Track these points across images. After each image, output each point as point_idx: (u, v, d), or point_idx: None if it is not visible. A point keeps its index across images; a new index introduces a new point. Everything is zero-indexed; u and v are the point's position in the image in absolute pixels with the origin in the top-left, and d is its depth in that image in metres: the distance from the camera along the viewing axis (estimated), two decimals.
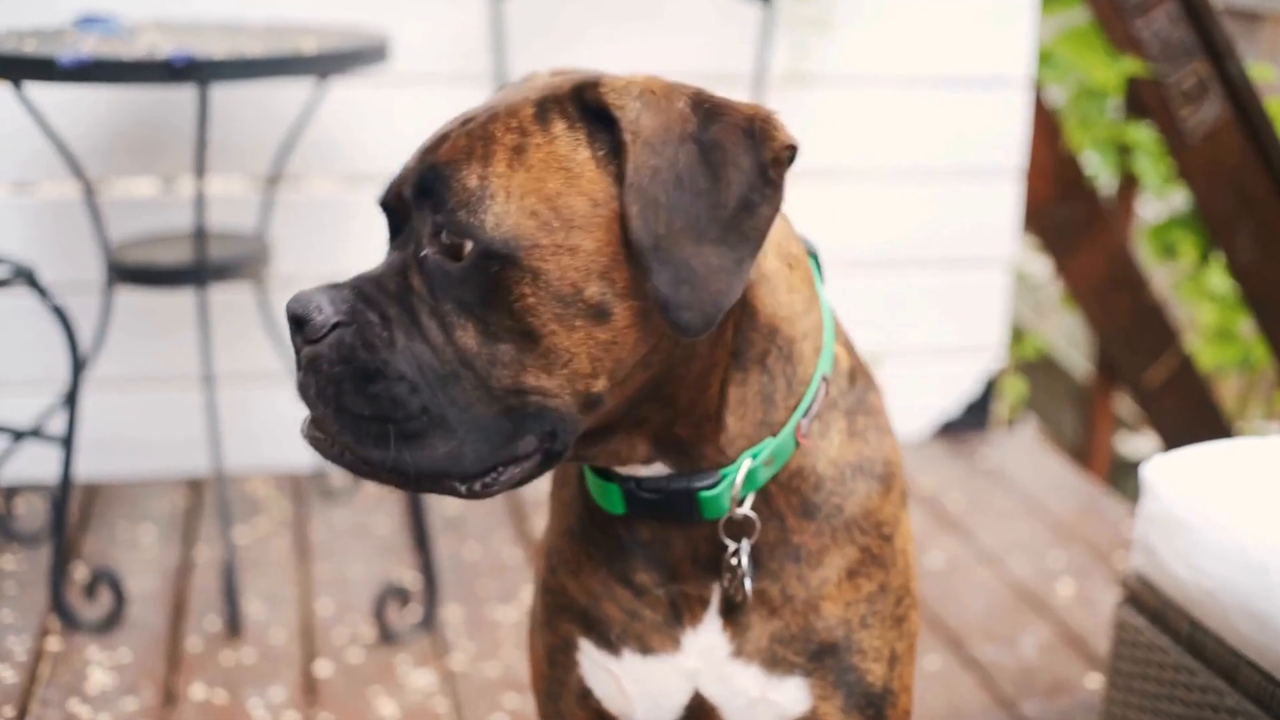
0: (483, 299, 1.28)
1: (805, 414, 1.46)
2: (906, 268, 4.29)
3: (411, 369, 1.28)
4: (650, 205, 1.26)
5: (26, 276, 2.89)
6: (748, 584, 1.48)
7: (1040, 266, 5.94)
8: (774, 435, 1.45)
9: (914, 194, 4.23)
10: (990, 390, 4.48)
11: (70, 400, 3.05)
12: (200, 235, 3.10)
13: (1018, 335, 5.46)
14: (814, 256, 1.58)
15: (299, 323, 1.30)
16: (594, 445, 1.42)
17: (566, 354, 1.29)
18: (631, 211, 1.27)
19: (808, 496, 1.50)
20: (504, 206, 1.27)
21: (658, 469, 1.47)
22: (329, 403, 1.29)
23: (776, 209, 1.30)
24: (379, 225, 1.95)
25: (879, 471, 1.55)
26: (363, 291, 1.31)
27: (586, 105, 1.32)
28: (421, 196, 1.32)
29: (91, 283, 3.68)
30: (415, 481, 1.31)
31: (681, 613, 1.53)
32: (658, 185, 1.27)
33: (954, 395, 4.44)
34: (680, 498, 1.46)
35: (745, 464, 1.44)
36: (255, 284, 3.54)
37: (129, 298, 3.71)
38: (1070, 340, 5.76)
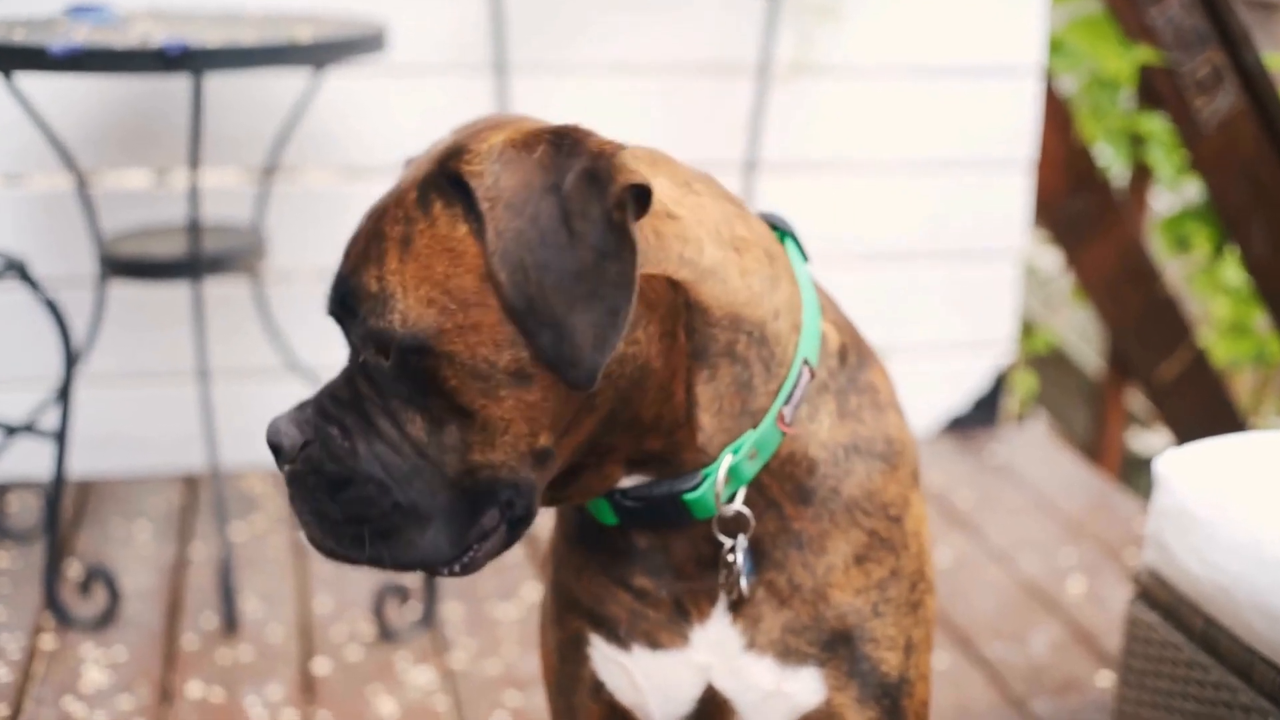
0: (418, 390, 1.33)
1: (787, 401, 1.46)
2: (914, 261, 4.29)
3: (378, 470, 1.36)
4: (518, 269, 1.28)
5: (18, 269, 2.90)
6: (744, 582, 1.48)
7: (1051, 260, 5.93)
8: (755, 426, 1.45)
9: (922, 186, 4.23)
10: (999, 385, 4.49)
11: (63, 395, 3.06)
12: (194, 228, 3.11)
13: (1027, 329, 5.45)
14: (789, 235, 1.58)
15: (275, 450, 1.40)
16: (565, 488, 1.45)
17: (503, 423, 1.33)
18: (500, 279, 1.28)
19: (802, 481, 1.50)
20: (404, 303, 1.31)
21: (638, 479, 1.48)
22: (311, 512, 1.39)
23: (633, 253, 1.28)
24: None
25: (879, 450, 1.54)
26: (322, 408, 1.40)
27: (453, 178, 1.33)
28: (341, 310, 1.38)
29: (84, 276, 3.69)
30: (395, 568, 1.41)
31: (688, 611, 1.54)
32: (523, 247, 1.28)
33: (962, 391, 4.44)
34: (665, 503, 1.47)
35: (726, 461, 1.44)
36: (251, 277, 3.55)
37: (122, 291, 3.72)
38: (1081, 335, 5.76)
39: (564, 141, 1.32)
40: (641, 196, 1.30)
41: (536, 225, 1.28)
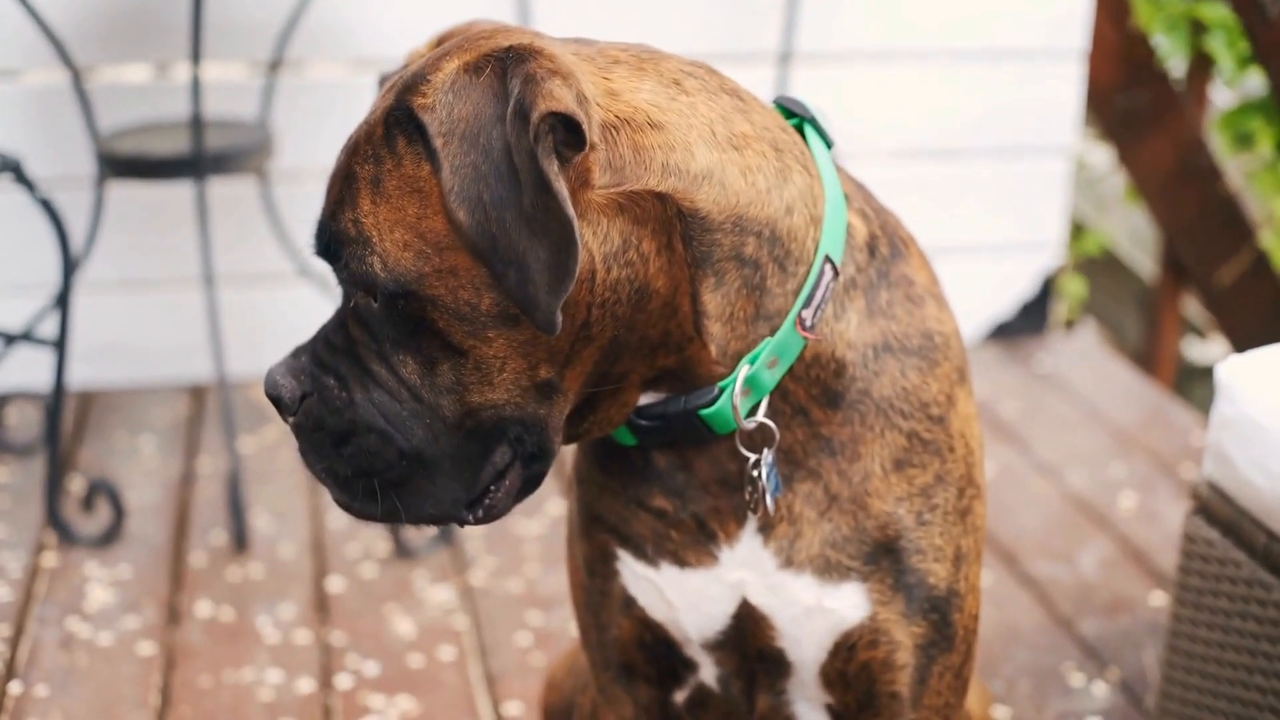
0: (408, 331, 1.34)
1: (808, 302, 1.42)
2: (957, 158, 4.23)
3: (378, 419, 1.37)
4: (477, 206, 1.26)
5: (13, 168, 2.87)
6: (769, 500, 1.46)
7: (1103, 157, 5.86)
8: (773, 332, 1.43)
9: (966, 78, 4.16)
10: (1047, 290, 4.44)
11: (62, 302, 3.04)
12: (197, 124, 3.08)
13: (1077, 231, 5.39)
14: (809, 122, 1.54)
15: (276, 403, 1.42)
16: (582, 421, 1.44)
17: (497, 360, 1.33)
18: (459, 218, 1.26)
19: (828, 384, 1.47)
20: (382, 247, 1.31)
21: (652, 396, 1.47)
22: (324, 470, 1.43)
23: (555, 190, 1.25)
24: None
25: (914, 345, 1.51)
26: (317, 355, 1.41)
27: (406, 112, 1.30)
28: (324, 256, 1.38)
29: (82, 177, 3.67)
30: (416, 521, 1.43)
31: (713, 532, 1.52)
32: (479, 181, 1.26)
33: (1008, 295, 4.40)
34: (682, 420, 1.46)
35: (742, 372, 1.42)
36: (257, 177, 3.52)
37: (122, 192, 3.69)
38: (1134, 237, 5.70)
39: (507, 63, 1.28)
40: (569, 125, 1.26)
41: (490, 158, 1.25)
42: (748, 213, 1.40)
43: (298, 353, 1.43)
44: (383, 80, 1.48)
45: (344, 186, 1.35)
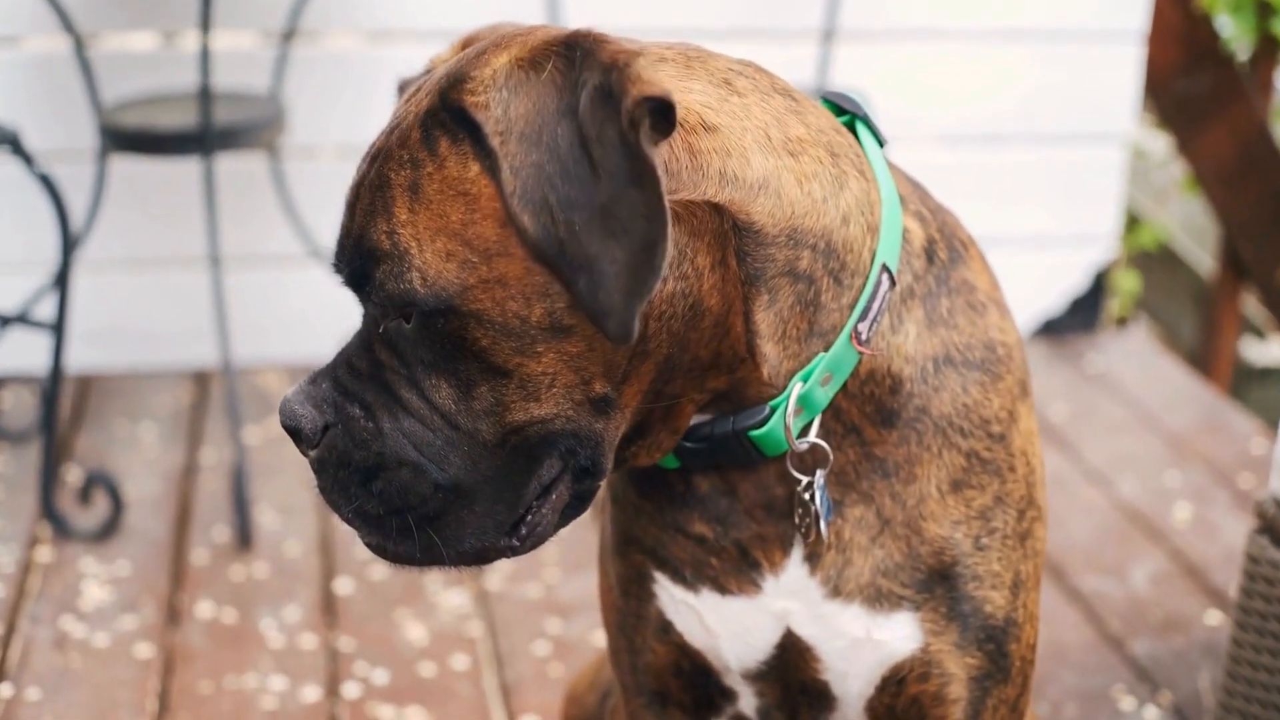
0: (444, 353, 1.30)
1: (864, 314, 1.39)
2: (1006, 143, 4.20)
3: (409, 451, 1.33)
4: (542, 209, 1.22)
5: (11, 140, 2.86)
6: (823, 525, 1.43)
7: (1161, 144, 5.83)
8: (827, 348, 1.39)
9: (1017, 59, 4.13)
10: (1099, 285, 4.41)
11: (60, 282, 3.03)
12: (205, 96, 3.06)
13: (1132, 223, 5.35)
14: (861, 120, 1.50)
15: (294, 435, 1.37)
16: (629, 446, 1.41)
17: (546, 377, 1.30)
18: (523, 222, 1.22)
19: (884, 402, 1.44)
20: (421, 259, 1.27)
21: (698, 417, 1.44)
22: (349, 507, 1.38)
23: (654, 179, 1.20)
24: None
25: (977, 358, 1.48)
26: (340, 382, 1.37)
27: (457, 111, 1.26)
28: (351, 281, 1.34)
29: (83, 150, 3.65)
30: (458, 560, 1.38)
31: (757, 561, 1.49)
32: (544, 183, 1.22)
33: (1058, 290, 4.37)
34: (730, 442, 1.42)
35: (795, 390, 1.39)
36: (268, 153, 3.50)
37: (126, 167, 3.68)
38: (1192, 230, 5.66)
39: (575, 54, 1.24)
40: (661, 110, 1.22)
41: (556, 156, 1.21)
42: (803, 224, 1.37)
43: (316, 378, 1.38)
44: (402, 86, 1.45)
45: (375, 196, 1.30)
